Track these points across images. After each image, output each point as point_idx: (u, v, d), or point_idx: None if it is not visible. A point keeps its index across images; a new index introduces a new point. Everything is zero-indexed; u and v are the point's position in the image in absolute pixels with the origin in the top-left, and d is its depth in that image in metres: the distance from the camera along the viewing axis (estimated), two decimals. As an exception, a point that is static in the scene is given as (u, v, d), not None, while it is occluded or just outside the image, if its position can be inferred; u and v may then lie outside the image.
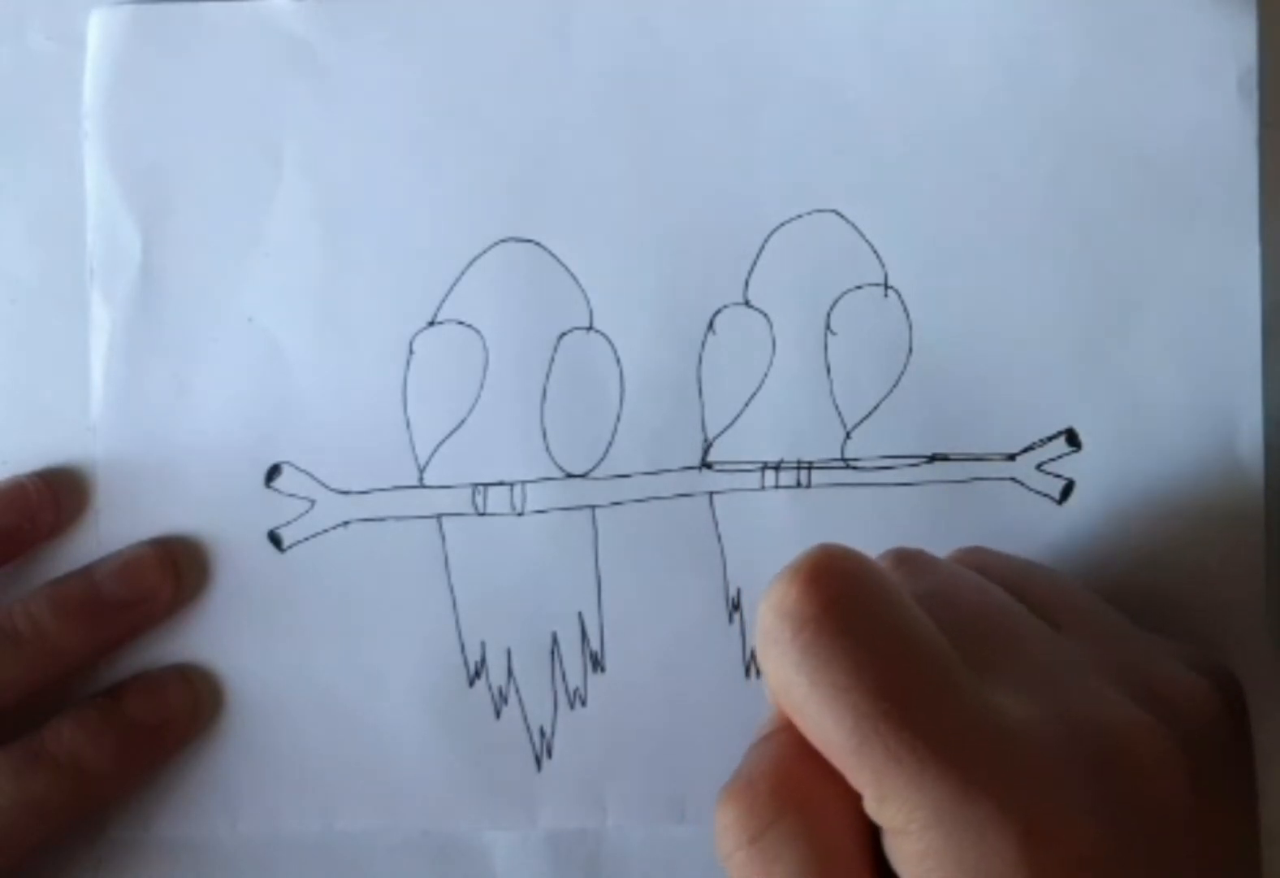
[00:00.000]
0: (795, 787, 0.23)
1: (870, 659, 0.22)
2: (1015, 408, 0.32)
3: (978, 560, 0.29)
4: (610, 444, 0.33)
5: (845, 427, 0.32)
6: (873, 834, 0.23)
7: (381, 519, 0.33)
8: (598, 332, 0.33)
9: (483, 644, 0.33)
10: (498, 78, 0.33)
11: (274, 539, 0.33)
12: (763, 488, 0.32)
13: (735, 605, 0.32)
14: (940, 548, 0.32)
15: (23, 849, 0.31)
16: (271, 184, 0.33)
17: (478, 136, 0.33)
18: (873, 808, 0.22)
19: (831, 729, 0.22)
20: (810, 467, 0.32)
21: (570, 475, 0.33)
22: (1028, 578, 0.28)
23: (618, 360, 0.33)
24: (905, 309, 0.32)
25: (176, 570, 0.33)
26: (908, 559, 0.27)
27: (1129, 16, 0.32)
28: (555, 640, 0.33)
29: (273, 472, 0.33)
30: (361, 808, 0.33)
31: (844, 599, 0.23)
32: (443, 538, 0.33)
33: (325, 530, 0.33)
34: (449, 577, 0.33)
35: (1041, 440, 0.32)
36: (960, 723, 0.22)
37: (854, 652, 0.22)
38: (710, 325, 0.33)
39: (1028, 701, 0.23)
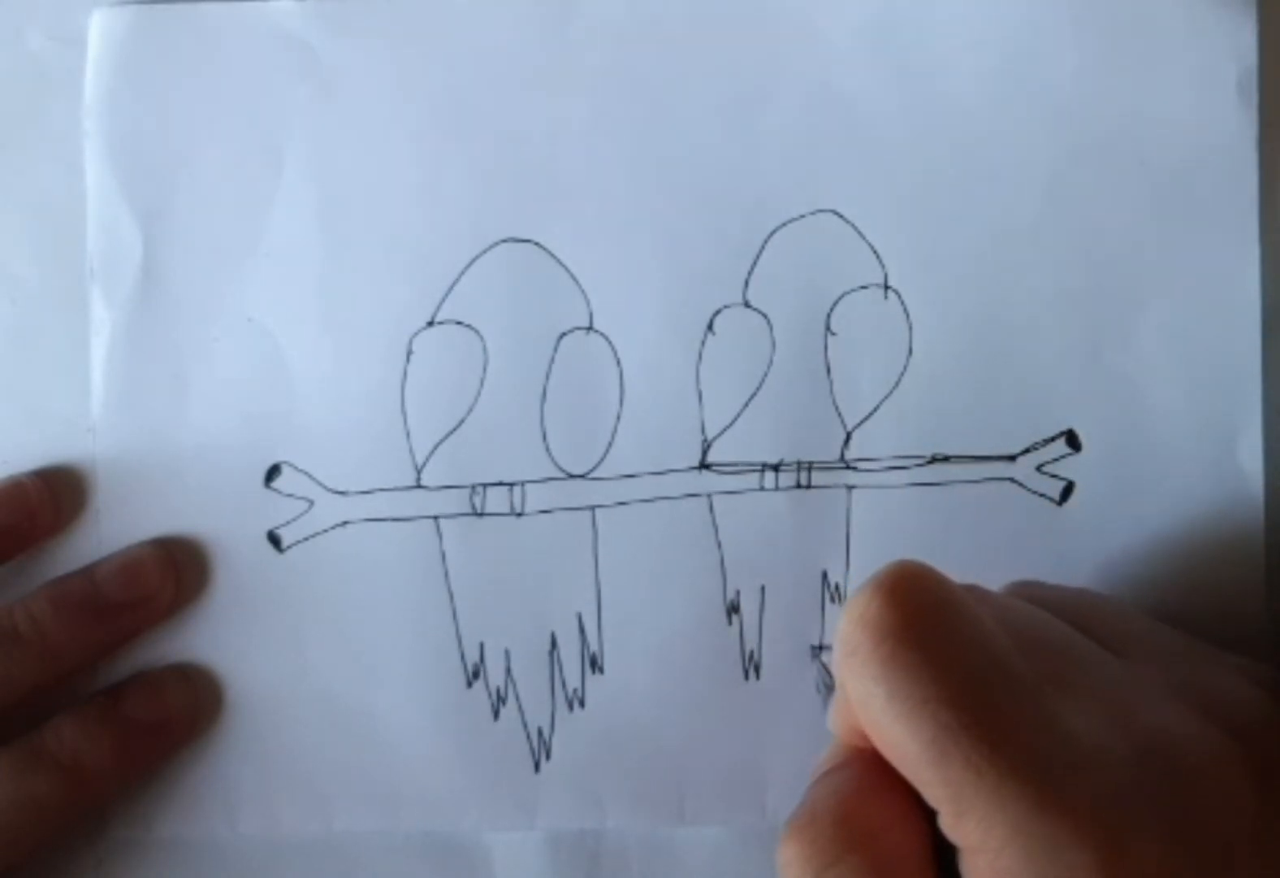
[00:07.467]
0: (859, 824, 0.23)
1: (950, 672, 0.22)
2: (1015, 409, 0.32)
3: (1030, 593, 0.28)
4: (610, 444, 0.33)
5: (845, 427, 0.32)
6: (939, 863, 0.23)
7: (380, 520, 0.33)
8: (598, 332, 0.33)
9: (481, 645, 0.33)
10: (498, 78, 0.33)
11: (273, 539, 0.33)
12: (762, 489, 0.32)
13: (734, 607, 0.32)
14: (940, 549, 0.32)
15: (23, 849, 0.31)
16: (272, 184, 0.33)
17: (478, 137, 0.33)
18: (949, 824, 0.22)
19: (910, 741, 0.22)
20: (810, 467, 0.32)
21: (570, 476, 0.33)
22: (1083, 607, 0.28)
23: (618, 360, 0.33)
24: (905, 309, 0.32)
25: (177, 571, 0.33)
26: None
27: (1129, 17, 0.32)
28: (554, 642, 0.33)
29: (272, 472, 0.33)
30: (361, 808, 0.33)
31: (925, 613, 0.23)
32: (441, 538, 0.33)
33: (324, 531, 0.33)
34: (448, 577, 0.33)
35: (1042, 442, 0.32)
36: (1039, 739, 0.22)
37: (935, 664, 0.22)
38: (710, 326, 0.33)
39: (1095, 721, 0.23)
